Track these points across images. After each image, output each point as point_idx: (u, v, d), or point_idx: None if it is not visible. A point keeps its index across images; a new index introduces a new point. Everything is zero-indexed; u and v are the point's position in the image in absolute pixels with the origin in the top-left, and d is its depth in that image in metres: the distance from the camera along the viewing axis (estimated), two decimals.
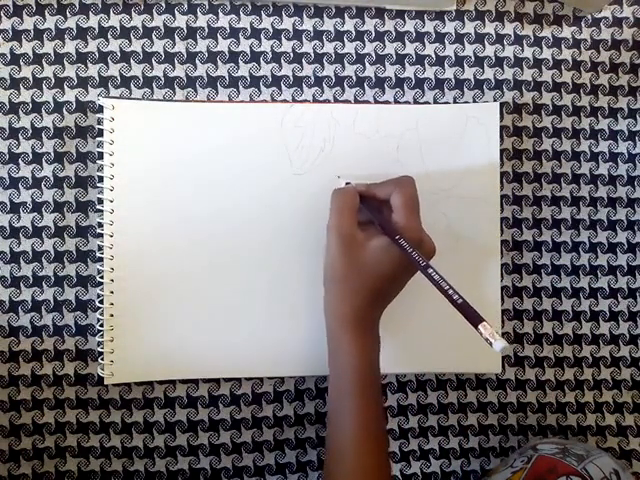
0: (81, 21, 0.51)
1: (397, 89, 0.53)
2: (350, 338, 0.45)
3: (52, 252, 0.50)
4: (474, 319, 0.40)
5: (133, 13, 0.51)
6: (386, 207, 0.46)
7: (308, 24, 0.53)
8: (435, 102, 0.54)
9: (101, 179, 0.50)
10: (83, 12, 0.51)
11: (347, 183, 0.49)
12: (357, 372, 0.45)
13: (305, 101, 0.52)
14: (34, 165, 0.50)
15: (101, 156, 0.50)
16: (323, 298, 0.48)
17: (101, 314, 0.49)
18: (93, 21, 0.51)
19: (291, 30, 0.53)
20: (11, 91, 0.50)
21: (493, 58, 0.54)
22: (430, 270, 0.42)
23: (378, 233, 0.45)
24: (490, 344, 0.38)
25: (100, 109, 0.50)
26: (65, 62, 0.51)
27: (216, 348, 0.51)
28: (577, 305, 0.55)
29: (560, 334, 0.55)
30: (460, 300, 0.41)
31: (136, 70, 0.51)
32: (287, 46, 0.53)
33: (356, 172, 0.48)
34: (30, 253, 0.50)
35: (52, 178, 0.50)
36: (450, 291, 0.41)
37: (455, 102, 0.54)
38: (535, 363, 0.54)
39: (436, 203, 0.52)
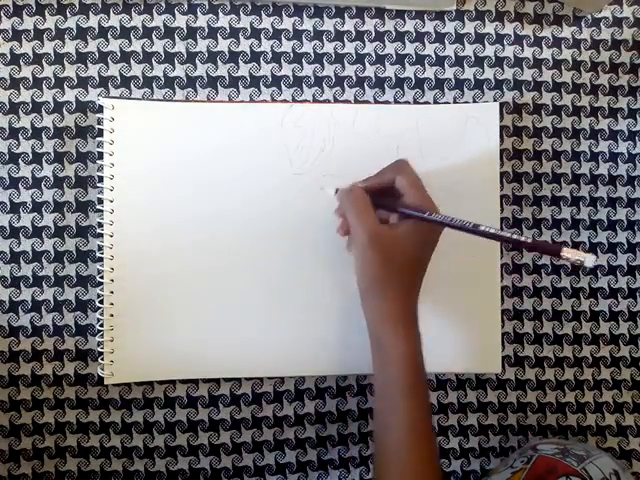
0: (81, 21, 0.51)
1: (397, 89, 0.53)
2: (400, 336, 0.44)
3: (52, 252, 0.50)
4: (553, 250, 0.39)
5: (133, 13, 0.51)
6: (390, 194, 0.46)
7: (308, 24, 0.53)
8: (435, 102, 0.54)
9: (101, 179, 0.50)
10: (83, 12, 0.51)
11: (337, 190, 0.48)
12: (409, 370, 0.44)
13: (305, 101, 0.52)
14: (34, 165, 0.50)
15: (101, 156, 0.50)
16: (361, 305, 0.46)
17: (101, 314, 0.49)
18: (93, 21, 0.51)
19: (291, 30, 0.53)
20: (11, 91, 0.50)
21: (493, 58, 0.54)
22: (482, 227, 0.42)
23: (397, 219, 0.45)
24: (581, 264, 0.38)
25: (100, 109, 0.50)
26: (65, 62, 0.51)
27: (216, 348, 0.51)
28: (577, 305, 0.55)
29: (560, 334, 0.55)
30: (529, 239, 0.40)
31: (136, 70, 0.51)
32: (287, 46, 0.52)
33: (356, 172, 0.48)
34: (30, 253, 0.50)
35: (52, 178, 0.50)
36: (515, 236, 0.40)
37: (455, 102, 0.54)
38: (535, 363, 0.54)
39: (436, 203, 0.52)
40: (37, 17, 0.50)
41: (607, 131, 0.55)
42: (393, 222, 0.46)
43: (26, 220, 0.50)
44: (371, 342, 0.46)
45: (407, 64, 0.53)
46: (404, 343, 0.44)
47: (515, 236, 0.41)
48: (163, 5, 0.51)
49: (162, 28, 0.51)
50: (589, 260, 0.38)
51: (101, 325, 0.50)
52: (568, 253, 0.38)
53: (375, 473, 0.45)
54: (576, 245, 0.55)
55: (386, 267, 0.44)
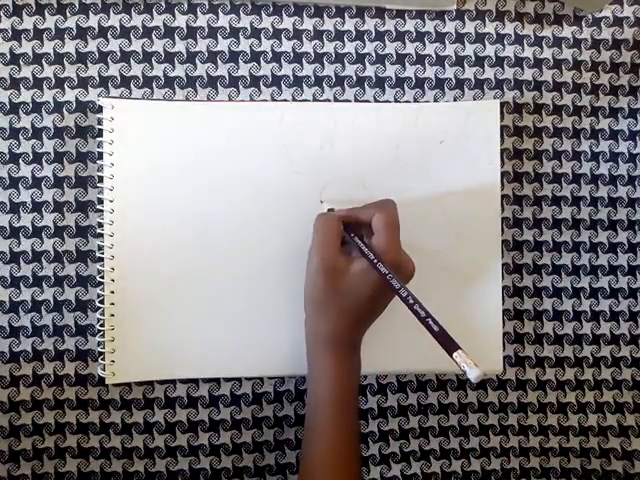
0: (81, 21, 0.51)
1: (397, 89, 0.53)
2: (329, 360, 0.45)
3: (52, 252, 0.50)
4: (449, 347, 0.40)
5: (133, 13, 0.51)
6: (368, 230, 0.46)
7: (308, 24, 0.53)
8: (435, 102, 0.53)
9: (101, 179, 0.50)
10: (83, 12, 0.51)
11: (330, 209, 0.49)
12: (334, 394, 0.45)
13: (305, 101, 0.52)
14: (34, 165, 0.50)
15: (101, 156, 0.50)
16: (304, 321, 0.47)
17: (101, 314, 0.49)
18: (93, 21, 0.51)
19: (291, 30, 0.52)
20: (11, 91, 0.50)
21: (493, 58, 0.54)
22: (405, 294, 0.42)
23: (359, 256, 0.45)
24: (464, 372, 0.39)
25: (100, 109, 0.50)
26: (65, 62, 0.51)
27: (216, 348, 0.51)
28: (578, 305, 0.55)
29: (561, 334, 0.55)
30: (436, 327, 0.41)
31: (136, 70, 0.51)
32: (287, 46, 0.52)
33: (355, 172, 0.48)
34: (30, 253, 0.50)
35: (52, 178, 0.50)
36: (426, 318, 0.41)
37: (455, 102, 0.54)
38: (536, 363, 0.54)
39: (436, 203, 0.52)
40: (37, 17, 0.50)
41: (608, 131, 0.55)
42: (355, 256, 0.46)
43: (26, 220, 0.50)
44: (307, 362, 0.48)
45: (407, 64, 0.53)
46: (334, 367, 0.45)
47: (429, 319, 0.41)
48: (163, 5, 0.51)
49: (162, 28, 0.51)
50: (473, 374, 0.38)
51: (101, 325, 0.50)
52: (459, 357, 0.39)
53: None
54: (577, 245, 0.55)
55: (330, 295, 0.45)
